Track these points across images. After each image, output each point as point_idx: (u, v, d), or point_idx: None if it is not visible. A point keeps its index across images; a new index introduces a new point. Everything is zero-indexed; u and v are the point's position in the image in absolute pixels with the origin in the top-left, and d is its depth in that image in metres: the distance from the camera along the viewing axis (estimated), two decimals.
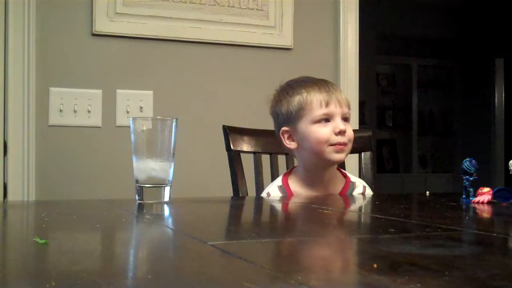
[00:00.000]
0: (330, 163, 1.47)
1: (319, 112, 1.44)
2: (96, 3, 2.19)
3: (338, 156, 1.45)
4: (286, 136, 1.50)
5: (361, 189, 1.57)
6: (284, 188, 1.52)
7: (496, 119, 6.27)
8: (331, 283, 0.47)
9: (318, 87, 1.47)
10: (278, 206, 1.33)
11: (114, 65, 2.24)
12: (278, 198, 1.47)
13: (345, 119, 1.47)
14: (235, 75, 2.41)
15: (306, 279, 0.47)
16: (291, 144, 1.50)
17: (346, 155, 1.48)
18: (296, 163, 1.63)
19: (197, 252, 0.61)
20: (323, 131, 1.43)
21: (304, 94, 1.46)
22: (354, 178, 1.58)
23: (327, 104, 1.44)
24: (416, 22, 6.23)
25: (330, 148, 1.43)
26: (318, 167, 1.50)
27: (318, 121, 1.44)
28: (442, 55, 6.73)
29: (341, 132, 1.43)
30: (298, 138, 1.48)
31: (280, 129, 1.51)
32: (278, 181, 1.55)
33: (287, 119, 1.48)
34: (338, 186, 1.54)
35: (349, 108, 1.48)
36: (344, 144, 1.44)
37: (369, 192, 1.59)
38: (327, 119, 1.44)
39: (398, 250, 0.61)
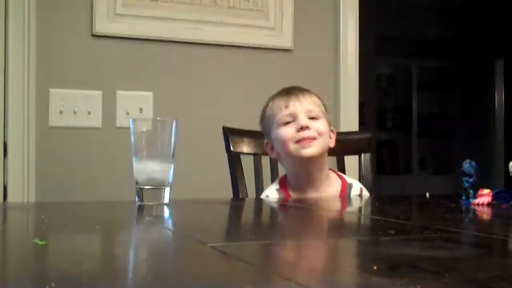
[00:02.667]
0: (301, 159, 1.47)
1: (280, 115, 1.48)
2: (96, 4, 2.19)
3: (306, 151, 1.45)
4: (269, 147, 1.57)
5: (358, 190, 1.56)
6: (282, 191, 1.53)
7: (496, 120, 6.27)
8: (330, 285, 0.47)
9: (281, 94, 1.53)
10: (278, 208, 1.33)
11: (114, 66, 2.25)
12: (275, 200, 1.48)
13: (313, 117, 1.48)
14: (235, 77, 2.41)
15: (306, 281, 0.47)
16: (273, 154, 1.56)
17: (319, 150, 1.46)
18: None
19: (197, 254, 0.61)
20: (286, 131, 1.47)
21: (270, 104, 1.54)
22: (350, 179, 1.59)
23: (286, 106, 1.48)
24: (416, 23, 6.23)
25: (296, 146, 1.45)
26: (298, 169, 1.51)
27: (283, 124, 1.47)
28: (442, 56, 6.73)
29: (304, 127, 1.45)
30: (275, 146, 1.53)
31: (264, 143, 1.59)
32: (276, 184, 1.56)
33: (265, 131, 1.56)
34: (333, 188, 1.54)
35: (316, 106, 1.50)
36: (310, 138, 1.45)
37: (365, 193, 1.59)
38: (292, 120, 1.47)
39: (397, 252, 0.61)
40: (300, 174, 1.52)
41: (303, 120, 1.45)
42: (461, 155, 6.34)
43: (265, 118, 1.55)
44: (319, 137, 1.46)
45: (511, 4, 5.64)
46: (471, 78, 6.50)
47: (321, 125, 1.47)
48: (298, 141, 1.44)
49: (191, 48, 2.34)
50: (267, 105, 1.55)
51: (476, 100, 6.42)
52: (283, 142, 1.46)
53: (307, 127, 1.44)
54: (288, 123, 1.47)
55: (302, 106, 1.47)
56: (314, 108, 1.49)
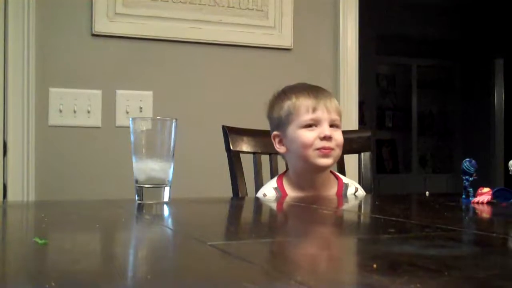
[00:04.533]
0: (316, 167, 1.47)
1: (306, 117, 1.46)
2: (95, 4, 2.19)
3: (323, 161, 1.45)
4: (277, 140, 1.54)
5: (353, 190, 1.57)
6: (279, 190, 1.53)
7: (495, 119, 6.27)
8: (330, 284, 0.47)
9: (308, 93, 1.49)
10: (278, 206, 1.33)
11: (114, 66, 2.24)
12: (273, 198, 1.48)
13: (334, 125, 1.47)
14: (234, 76, 2.41)
15: (306, 279, 0.47)
16: (280, 148, 1.53)
17: (334, 161, 1.49)
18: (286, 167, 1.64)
19: (197, 252, 0.61)
20: (309, 135, 1.45)
21: (293, 100, 1.49)
22: (346, 179, 1.59)
23: (314, 110, 1.46)
24: (416, 23, 6.23)
25: (315, 153, 1.45)
26: (307, 172, 1.51)
27: (305, 126, 1.46)
28: (442, 56, 6.73)
29: (327, 137, 1.44)
30: (287, 142, 1.51)
31: (272, 134, 1.55)
32: (273, 182, 1.56)
33: (278, 124, 1.52)
34: (331, 189, 1.55)
35: (339, 115, 1.50)
36: (330, 149, 1.45)
37: (361, 192, 1.59)
38: (314, 124, 1.45)
39: (397, 250, 0.61)
40: (305, 175, 1.52)
41: (327, 130, 1.44)
42: (460, 153, 6.36)
43: (281, 111, 1.50)
44: (336, 149, 1.47)
45: (511, 4, 5.64)
46: (470, 77, 6.50)
47: (340, 136, 1.48)
48: (317, 149, 1.44)
49: (191, 48, 2.34)
50: (288, 99, 1.50)
51: (476, 99, 6.42)
52: (303, 146, 1.45)
53: (330, 138, 1.44)
54: (309, 125, 1.46)
55: (329, 114, 1.46)
56: (338, 117, 1.48)
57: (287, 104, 1.49)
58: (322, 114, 1.45)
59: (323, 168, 1.49)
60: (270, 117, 1.56)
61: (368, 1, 3.32)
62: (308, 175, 1.51)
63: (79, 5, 2.20)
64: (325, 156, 1.45)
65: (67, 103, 2.17)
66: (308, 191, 1.52)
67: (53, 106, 2.15)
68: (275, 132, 1.53)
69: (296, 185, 1.53)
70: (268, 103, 1.58)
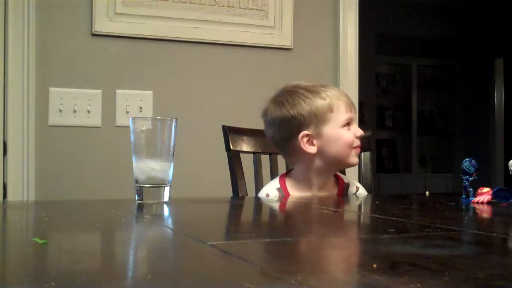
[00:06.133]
0: (348, 165, 1.52)
1: (346, 116, 1.46)
2: (95, 3, 2.19)
3: (356, 160, 1.49)
4: (305, 140, 1.45)
5: (354, 189, 1.57)
6: (282, 190, 1.52)
7: (495, 119, 6.27)
8: (330, 283, 0.47)
9: (337, 91, 1.50)
10: (278, 206, 1.33)
11: (114, 65, 2.24)
12: (276, 198, 1.48)
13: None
14: (234, 75, 2.41)
15: (306, 279, 0.47)
16: (310, 149, 1.45)
17: None
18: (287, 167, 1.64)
19: (197, 252, 0.61)
20: (350, 134, 1.46)
21: (328, 98, 1.44)
22: (347, 179, 1.60)
23: (350, 110, 1.47)
24: (416, 22, 6.23)
25: (353, 151, 1.47)
26: (328, 172, 1.52)
27: (343, 125, 1.46)
28: (442, 55, 6.73)
29: (360, 136, 1.48)
30: (321, 141, 1.44)
31: (292, 133, 1.45)
32: (276, 182, 1.55)
33: (309, 122, 1.43)
34: (333, 189, 1.55)
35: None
36: (361, 148, 1.50)
37: (362, 192, 1.59)
38: (349, 123, 1.48)
39: (397, 250, 0.61)
40: (319, 175, 1.50)
41: (359, 129, 1.48)
42: (460, 153, 6.36)
43: (313, 109, 1.42)
44: None
45: (511, 3, 5.64)
46: (470, 77, 6.50)
47: None
48: (354, 147, 1.47)
49: (191, 47, 2.34)
50: (321, 97, 1.44)
51: (476, 99, 6.42)
52: (346, 145, 1.45)
53: (361, 137, 1.48)
54: (347, 124, 1.47)
55: (356, 114, 1.50)
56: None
57: (322, 103, 1.43)
58: (355, 113, 1.50)
59: (353, 166, 1.54)
60: (286, 116, 1.45)
61: (368, 1, 3.32)
62: (324, 175, 1.51)
63: (79, 5, 2.20)
64: (357, 155, 1.49)
65: (67, 102, 2.17)
66: (312, 191, 1.51)
67: (53, 106, 2.15)
68: (305, 132, 1.43)
69: (301, 186, 1.52)
70: (277, 102, 1.48)
